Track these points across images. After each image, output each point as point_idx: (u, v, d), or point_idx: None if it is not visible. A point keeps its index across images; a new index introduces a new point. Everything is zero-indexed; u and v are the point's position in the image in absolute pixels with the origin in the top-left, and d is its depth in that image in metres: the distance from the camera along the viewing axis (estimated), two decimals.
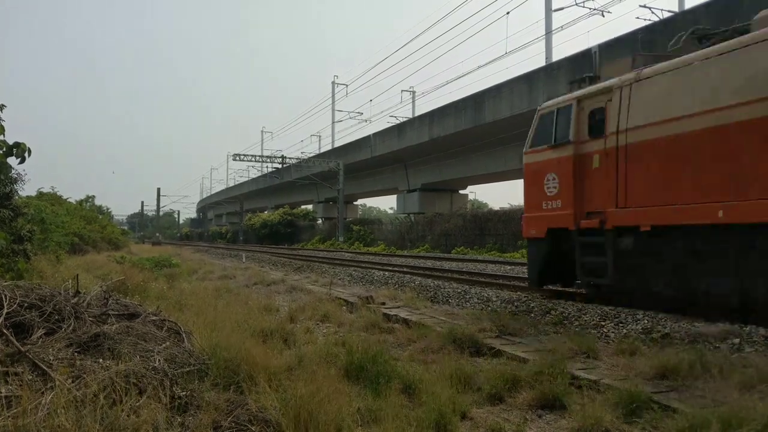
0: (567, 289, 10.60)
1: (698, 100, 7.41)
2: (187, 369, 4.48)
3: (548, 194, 9.90)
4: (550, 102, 10.43)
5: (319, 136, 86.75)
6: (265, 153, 64.76)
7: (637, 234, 8.25)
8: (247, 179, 78.15)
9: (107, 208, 70.02)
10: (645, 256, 8.27)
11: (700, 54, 7.61)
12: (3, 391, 3.52)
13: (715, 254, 7.38)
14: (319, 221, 64.47)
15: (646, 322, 7.73)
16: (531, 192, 10.52)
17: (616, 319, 8.09)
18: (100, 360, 4.25)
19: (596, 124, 9.09)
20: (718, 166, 7.19)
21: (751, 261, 6.96)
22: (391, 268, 18.25)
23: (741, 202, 6.85)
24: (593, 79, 9.75)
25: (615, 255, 8.63)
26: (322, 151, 60.27)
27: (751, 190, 6.75)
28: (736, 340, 6.58)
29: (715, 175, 7.21)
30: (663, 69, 8.08)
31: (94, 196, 60.38)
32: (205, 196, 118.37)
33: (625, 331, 7.55)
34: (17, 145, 5.06)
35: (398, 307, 10.33)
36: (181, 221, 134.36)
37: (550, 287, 10.74)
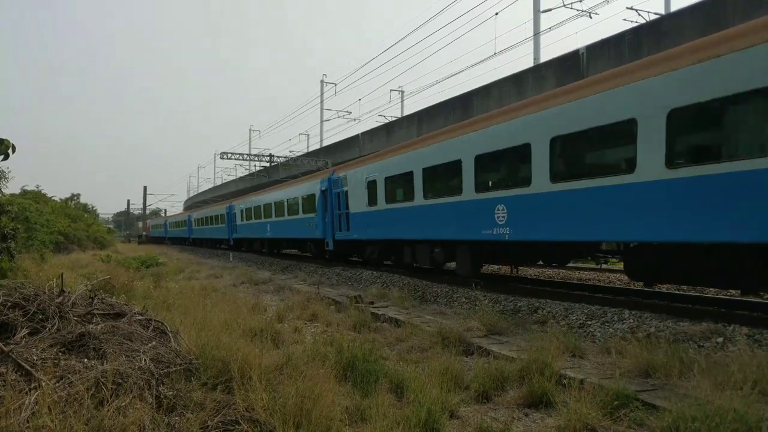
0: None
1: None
2: (174, 369, 4.45)
3: None
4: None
5: (308, 135, 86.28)
6: (253, 152, 64.38)
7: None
8: (234, 178, 77.58)
9: (93, 207, 69.27)
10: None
11: None
12: None
13: None
14: None
15: (632, 321, 7.80)
16: None
17: (602, 319, 8.16)
18: (85, 360, 4.20)
19: None
20: None
21: None
22: (379, 268, 18.22)
23: None
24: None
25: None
26: (311, 150, 60.04)
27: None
28: (720, 339, 6.67)
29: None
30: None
31: (79, 195, 59.71)
32: (192, 194, 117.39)
33: (611, 330, 7.62)
34: (0, 141, 4.99)
35: (387, 307, 10.34)
36: None
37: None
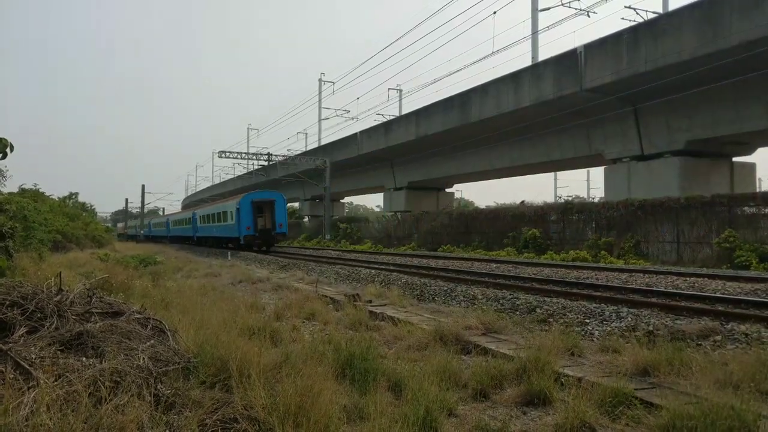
0: None
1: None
2: (172, 367, 4.45)
3: None
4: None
5: (306, 134, 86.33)
6: (251, 150, 64.25)
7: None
8: (232, 176, 77.54)
9: (91, 206, 69.28)
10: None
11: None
12: None
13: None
14: (306, 219, 64.10)
15: (630, 319, 7.83)
16: None
17: (601, 317, 8.19)
18: (84, 358, 4.20)
19: None
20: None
21: None
22: (377, 266, 18.25)
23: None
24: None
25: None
26: (309, 148, 59.98)
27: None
28: (718, 337, 6.70)
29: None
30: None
31: (77, 193, 59.74)
32: (190, 193, 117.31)
33: (608, 328, 7.64)
34: None
35: (384, 305, 10.34)
36: None
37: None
